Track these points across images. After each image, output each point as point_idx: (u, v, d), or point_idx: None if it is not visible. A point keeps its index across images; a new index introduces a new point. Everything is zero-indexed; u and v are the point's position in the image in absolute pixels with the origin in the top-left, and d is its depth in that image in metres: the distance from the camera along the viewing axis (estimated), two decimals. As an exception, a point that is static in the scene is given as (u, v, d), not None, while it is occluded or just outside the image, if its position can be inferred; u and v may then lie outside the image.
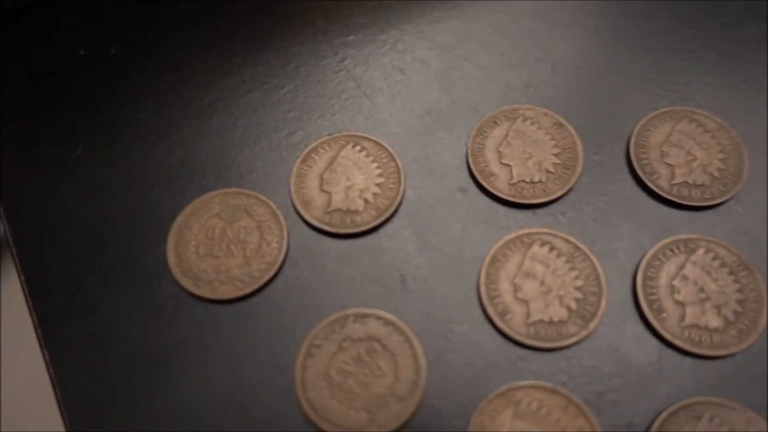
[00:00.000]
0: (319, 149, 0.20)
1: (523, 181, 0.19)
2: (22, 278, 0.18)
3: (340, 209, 0.19)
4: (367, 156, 0.20)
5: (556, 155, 0.20)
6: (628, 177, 0.20)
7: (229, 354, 0.17)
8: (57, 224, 0.19)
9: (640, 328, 0.17)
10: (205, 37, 0.22)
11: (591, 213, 0.19)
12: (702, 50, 0.22)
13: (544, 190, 0.19)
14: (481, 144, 0.20)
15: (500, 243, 0.18)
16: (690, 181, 0.19)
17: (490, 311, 0.17)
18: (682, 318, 0.17)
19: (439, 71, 0.22)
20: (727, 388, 0.17)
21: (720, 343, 0.17)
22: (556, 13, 0.23)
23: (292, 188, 0.19)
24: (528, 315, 0.17)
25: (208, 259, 0.18)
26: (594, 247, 0.19)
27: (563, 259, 0.18)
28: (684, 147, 0.20)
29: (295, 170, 0.19)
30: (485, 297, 0.18)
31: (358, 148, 0.20)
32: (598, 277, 0.18)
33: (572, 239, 0.18)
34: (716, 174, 0.19)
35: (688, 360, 0.17)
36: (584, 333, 0.17)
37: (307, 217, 0.19)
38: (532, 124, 0.20)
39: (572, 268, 0.18)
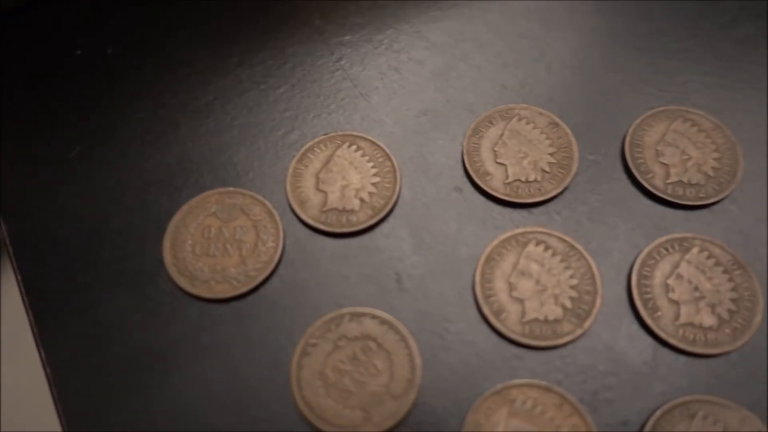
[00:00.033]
0: (315, 149, 0.20)
1: (519, 180, 0.19)
2: (19, 277, 0.18)
3: (335, 208, 0.19)
4: (363, 155, 0.20)
5: (551, 154, 0.20)
6: (623, 176, 0.20)
7: (225, 353, 0.17)
8: (54, 223, 0.19)
9: (635, 326, 0.18)
10: (203, 38, 0.22)
11: (586, 212, 0.19)
12: (698, 50, 0.22)
13: (540, 190, 0.19)
14: (477, 143, 0.20)
15: (495, 242, 0.18)
16: (685, 180, 0.19)
17: (486, 310, 0.17)
18: (677, 316, 0.17)
19: (435, 71, 0.22)
20: (722, 387, 0.17)
21: (714, 341, 0.17)
22: (552, 12, 0.23)
23: (288, 188, 0.19)
24: (523, 314, 0.17)
25: (204, 259, 0.18)
26: (589, 246, 0.19)
27: (558, 258, 0.18)
28: (679, 146, 0.20)
29: (291, 170, 0.20)
30: (480, 296, 0.18)
31: (354, 147, 0.20)
32: (593, 276, 0.18)
33: (567, 238, 0.18)
34: (711, 173, 0.19)
35: (682, 358, 0.17)
36: (579, 332, 0.17)
37: (303, 217, 0.19)
38: (527, 123, 0.20)
39: (567, 267, 0.18)
